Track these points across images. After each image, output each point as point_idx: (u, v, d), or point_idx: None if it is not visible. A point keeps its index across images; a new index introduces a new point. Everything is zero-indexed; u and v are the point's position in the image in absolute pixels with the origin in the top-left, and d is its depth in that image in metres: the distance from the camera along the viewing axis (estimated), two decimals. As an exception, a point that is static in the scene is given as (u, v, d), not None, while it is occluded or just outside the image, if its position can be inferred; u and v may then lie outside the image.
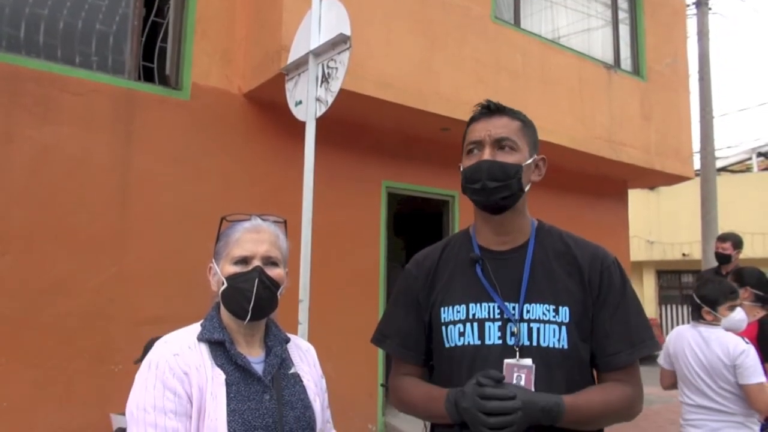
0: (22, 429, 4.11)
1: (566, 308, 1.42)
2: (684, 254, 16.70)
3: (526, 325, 1.41)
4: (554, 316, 1.41)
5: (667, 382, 3.18)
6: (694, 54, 10.02)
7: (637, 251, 16.99)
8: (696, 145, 9.38)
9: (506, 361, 1.39)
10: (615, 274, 1.49)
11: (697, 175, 9.72)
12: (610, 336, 1.43)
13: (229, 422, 1.25)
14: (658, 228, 17.51)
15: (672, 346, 3.12)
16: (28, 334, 4.20)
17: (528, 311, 1.42)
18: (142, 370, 1.29)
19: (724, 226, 9.26)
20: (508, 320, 1.42)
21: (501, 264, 1.50)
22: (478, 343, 1.43)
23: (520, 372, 1.38)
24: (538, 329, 1.41)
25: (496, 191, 1.43)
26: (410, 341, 1.55)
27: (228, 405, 1.27)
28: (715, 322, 3.00)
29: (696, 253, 13.65)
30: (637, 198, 15.90)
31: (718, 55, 45.68)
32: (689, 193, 13.29)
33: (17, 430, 4.09)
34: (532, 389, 1.37)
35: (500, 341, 1.42)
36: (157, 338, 1.38)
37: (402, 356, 1.57)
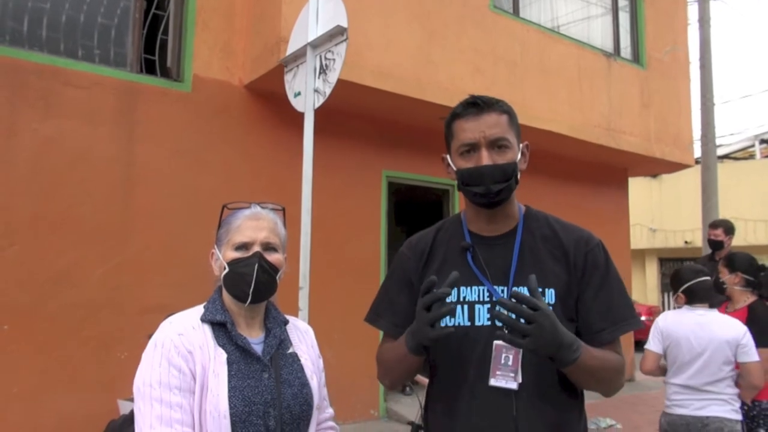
0: (32, 414, 4.23)
1: (552, 290, 1.49)
2: (686, 242, 16.71)
3: None
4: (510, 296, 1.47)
5: (652, 366, 3.22)
6: (695, 41, 10.00)
7: (639, 239, 17.01)
8: (697, 132, 9.39)
9: (495, 342, 1.44)
10: (598, 256, 1.54)
11: (698, 162, 9.73)
12: (593, 315, 1.50)
13: (230, 398, 1.32)
14: (660, 216, 17.52)
15: (669, 330, 3.16)
16: (36, 323, 4.30)
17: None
18: (149, 349, 1.36)
19: (725, 214, 9.27)
20: (497, 302, 1.48)
21: (491, 249, 1.56)
22: (468, 324, 1.49)
23: (508, 353, 1.45)
24: None
25: (499, 193, 1.49)
26: (401, 319, 1.60)
27: (229, 382, 1.34)
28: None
29: (698, 241, 13.65)
30: (639, 186, 15.89)
31: (720, 42, 45.41)
32: (691, 180, 13.29)
33: (27, 415, 4.21)
34: (519, 369, 1.43)
35: (489, 322, 1.48)
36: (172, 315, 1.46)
37: (393, 333, 1.63)
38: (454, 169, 1.55)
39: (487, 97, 1.56)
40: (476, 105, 1.53)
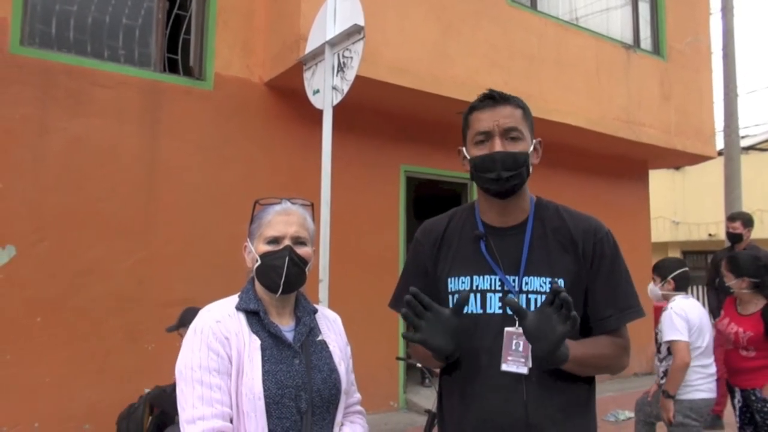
0: (63, 402, 4.40)
1: (561, 280, 1.54)
2: (710, 234, 16.47)
3: (524, 296, 1.54)
4: (550, 287, 1.51)
5: (690, 356, 3.28)
6: (718, 30, 9.84)
7: (662, 232, 16.81)
8: (720, 123, 9.26)
9: (506, 329, 1.51)
10: (607, 246, 1.60)
11: (721, 154, 9.60)
12: (601, 302, 1.57)
13: (264, 381, 1.41)
14: (684, 208, 17.29)
15: (690, 318, 3.29)
16: (66, 315, 4.46)
17: (526, 283, 1.54)
18: (189, 335, 1.46)
19: (749, 206, 9.16)
20: (508, 292, 1.54)
21: (503, 240, 1.61)
22: (480, 311, 1.56)
23: (518, 339, 1.50)
24: (536, 300, 1.53)
25: (509, 180, 1.53)
26: None
27: (263, 367, 1.43)
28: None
29: (722, 233, 13.42)
30: (662, 178, 15.69)
31: (745, 31, 44.19)
32: (715, 172, 13.07)
33: (58, 403, 4.38)
34: (530, 354, 1.48)
35: (500, 311, 1.54)
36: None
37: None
38: (468, 158, 1.62)
39: (504, 92, 1.62)
40: (492, 98, 1.60)
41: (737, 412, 3.47)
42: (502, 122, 1.55)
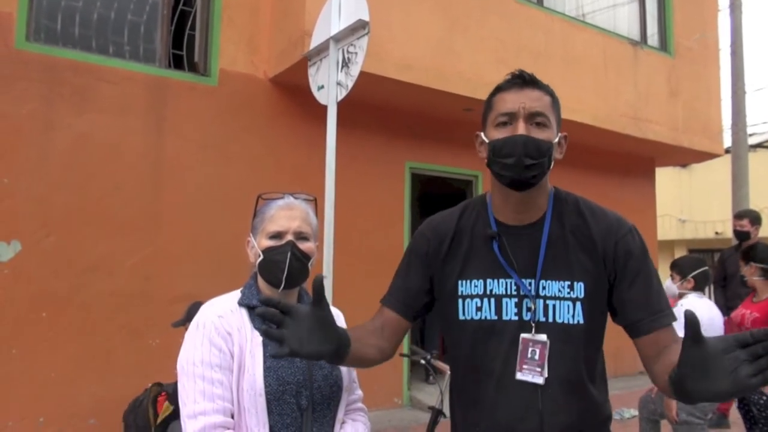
0: (68, 398, 4.42)
1: (581, 284, 1.42)
2: (717, 233, 16.38)
3: (542, 301, 1.43)
4: (569, 293, 1.42)
5: None
6: (726, 27, 9.78)
7: (668, 230, 16.73)
8: (728, 121, 9.19)
9: (522, 335, 1.42)
10: (632, 243, 1.45)
11: (728, 151, 9.54)
12: (629, 305, 1.43)
13: (265, 377, 1.41)
14: (690, 206, 17.20)
15: (701, 318, 3.23)
16: (72, 311, 4.48)
17: (544, 288, 1.43)
18: (191, 330, 1.45)
19: (757, 204, 9.09)
20: (525, 296, 1.43)
21: (518, 239, 1.48)
22: (495, 318, 1.45)
23: (534, 347, 1.42)
24: (554, 306, 1.42)
25: (529, 168, 1.38)
26: (401, 294, 1.59)
27: (264, 363, 1.43)
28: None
29: (729, 232, 13.34)
30: (668, 176, 15.59)
31: (754, 27, 43.85)
32: (722, 170, 12.98)
33: (64, 398, 4.40)
34: (546, 363, 1.39)
35: (517, 317, 1.43)
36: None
37: (385, 302, 1.61)
38: (487, 141, 1.45)
39: (535, 76, 1.47)
40: (522, 78, 1.45)
41: (737, 405, 3.51)
42: (529, 105, 1.39)
